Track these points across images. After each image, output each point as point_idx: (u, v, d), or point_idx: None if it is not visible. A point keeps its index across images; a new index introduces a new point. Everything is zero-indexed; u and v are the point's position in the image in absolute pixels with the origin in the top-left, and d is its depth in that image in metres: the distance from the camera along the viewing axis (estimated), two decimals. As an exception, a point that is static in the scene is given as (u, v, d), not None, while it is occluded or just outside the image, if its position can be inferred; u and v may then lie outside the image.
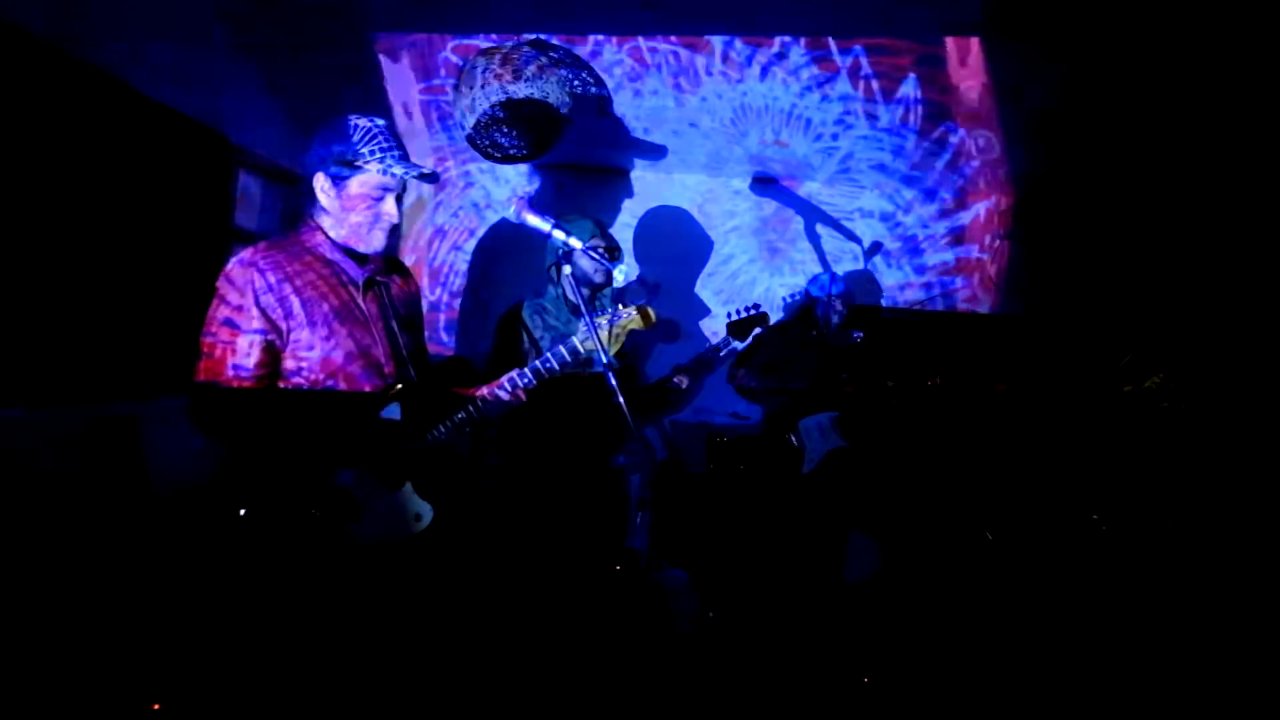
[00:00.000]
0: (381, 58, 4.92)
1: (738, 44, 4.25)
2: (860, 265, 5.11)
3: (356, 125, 2.40)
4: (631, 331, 2.55)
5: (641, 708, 3.08)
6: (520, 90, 3.96)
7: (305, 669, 2.36)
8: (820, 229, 5.15)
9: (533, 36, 4.32)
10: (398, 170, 2.39)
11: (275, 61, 4.50)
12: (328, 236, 2.44)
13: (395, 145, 2.42)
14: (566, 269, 2.81)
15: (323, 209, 2.43)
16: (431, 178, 2.48)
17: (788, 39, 4.24)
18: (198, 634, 2.76)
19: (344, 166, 2.37)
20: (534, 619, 3.17)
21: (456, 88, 4.24)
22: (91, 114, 3.37)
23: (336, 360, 2.38)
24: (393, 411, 2.41)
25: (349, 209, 2.40)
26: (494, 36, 4.63)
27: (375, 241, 2.44)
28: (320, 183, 2.40)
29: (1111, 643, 3.38)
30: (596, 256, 3.22)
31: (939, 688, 3.27)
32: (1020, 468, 4.00)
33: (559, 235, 2.50)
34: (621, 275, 3.18)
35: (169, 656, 2.82)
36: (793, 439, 4.03)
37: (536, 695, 2.94)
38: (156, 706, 2.68)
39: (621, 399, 2.39)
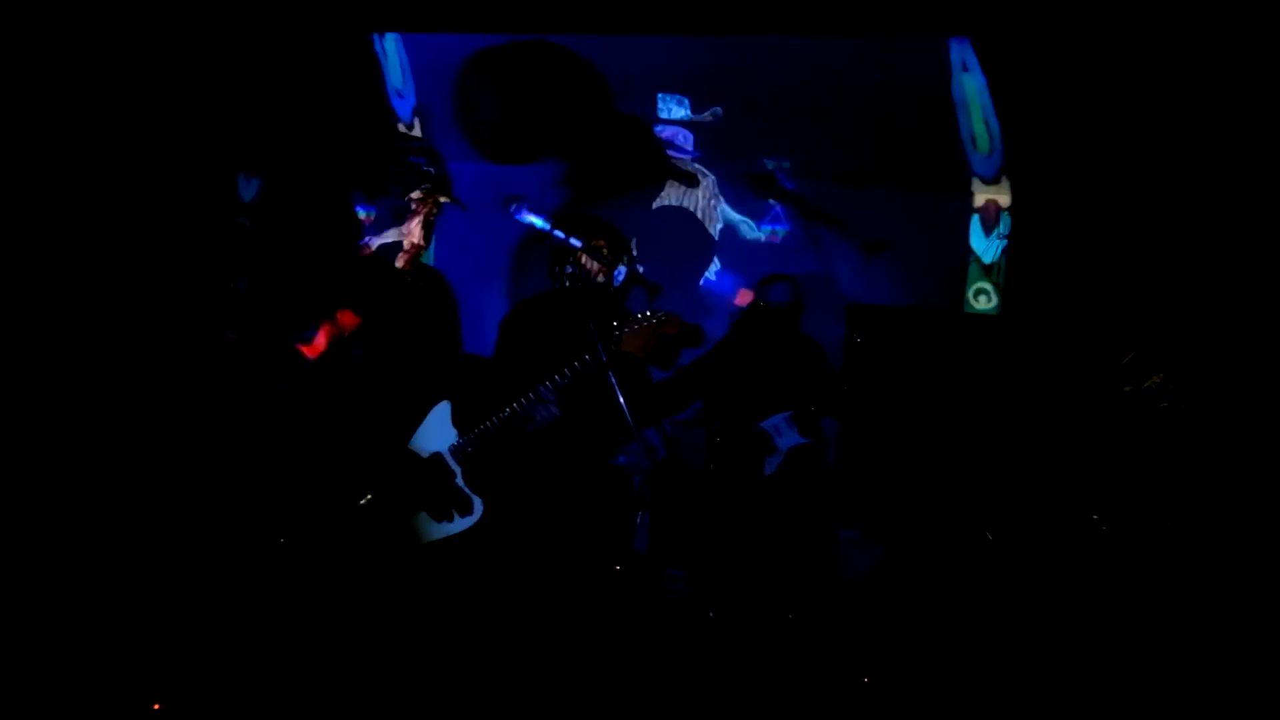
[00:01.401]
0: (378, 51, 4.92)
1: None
2: (860, 263, 5.10)
3: (400, 153, 2.54)
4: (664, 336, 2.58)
5: (642, 707, 3.08)
6: None
7: (310, 664, 2.38)
8: (819, 228, 5.15)
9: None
10: (415, 195, 2.50)
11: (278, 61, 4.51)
12: (382, 243, 2.57)
13: (431, 173, 2.53)
14: (568, 268, 2.82)
15: (371, 219, 2.58)
16: (459, 205, 2.55)
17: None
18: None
19: (379, 190, 2.51)
20: (534, 618, 3.17)
21: None
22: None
23: (389, 360, 2.49)
24: (444, 411, 2.50)
25: (383, 225, 2.55)
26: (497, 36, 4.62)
27: (399, 261, 2.56)
28: (360, 195, 2.61)
29: (1111, 642, 3.38)
30: (597, 256, 3.21)
31: (939, 688, 3.27)
32: (1020, 468, 4.00)
33: (560, 234, 2.50)
34: (622, 274, 3.17)
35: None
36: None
37: (537, 694, 2.94)
38: (157, 706, 2.69)
39: (622, 399, 2.39)
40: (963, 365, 4.44)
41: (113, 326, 3.76)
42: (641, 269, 5.13)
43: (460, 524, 2.49)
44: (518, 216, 2.53)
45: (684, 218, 5.29)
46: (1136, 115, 4.26)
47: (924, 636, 3.62)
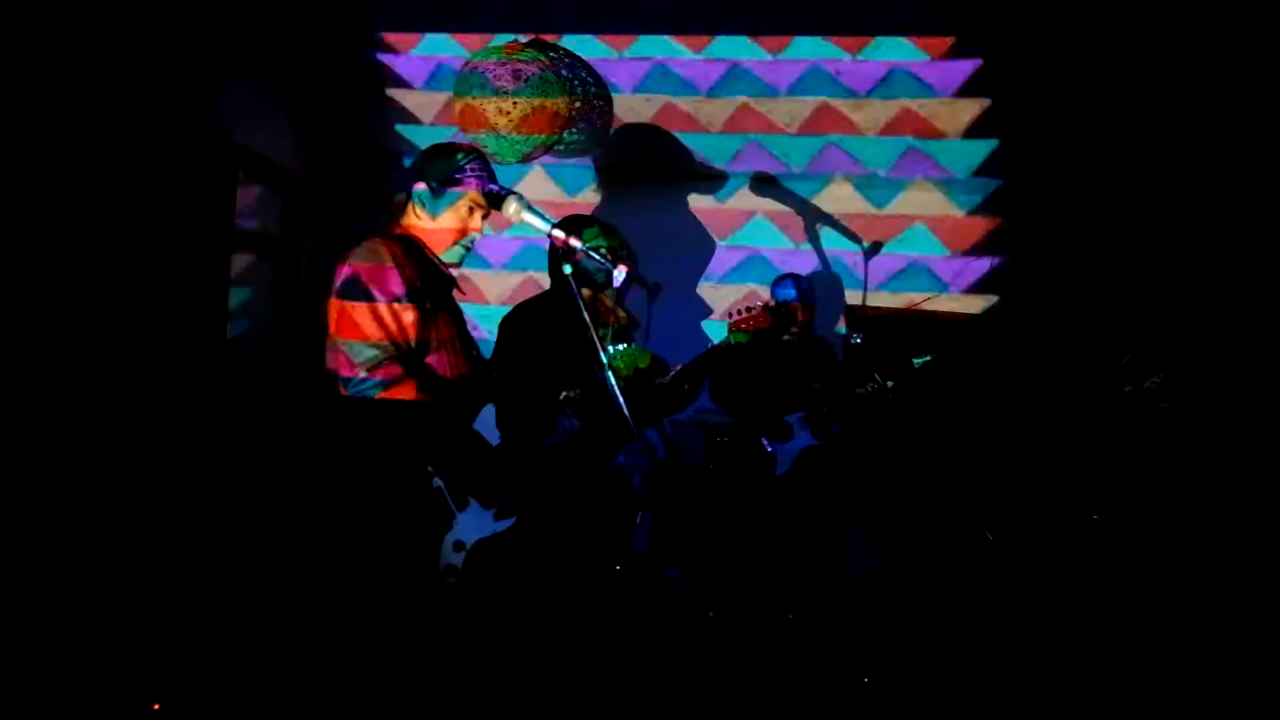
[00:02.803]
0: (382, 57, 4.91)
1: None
2: (859, 265, 5.09)
3: (461, 148, 2.63)
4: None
5: (642, 708, 3.08)
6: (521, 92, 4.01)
7: (311, 662, 2.39)
8: (820, 228, 5.14)
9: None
10: (494, 186, 2.58)
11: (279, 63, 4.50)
12: (420, 243, 2.60)
13: (492, 171, 2.63)
14: (567, 269, 2.82)
15: (415, 218, 2.59)
16: (520, 198, 2.58)
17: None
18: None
19: (447, 181, 2.55)
20: (534, 618, 3.18)
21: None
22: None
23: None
24: (490, 413, 2.57)
25: (441, 221, 2.58)
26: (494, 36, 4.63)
27: (454, 255, 2.63)
28: (420, 192, 2.56)
29: (1111, 643, 3.38)
30: (597, 257, 3.21)
31: (939, 688, 3.26)
32: (1020, 468, 4.00)
33: (558, 235, 2.50)
34: (621, 275, 3.15)
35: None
36: (765, 443, 4.02)
37: (537, 694, 2.94)
38: (157, 706, 2.69)
39: (621, 399, 2.39)
40: (963, 365, 4.44)
41: (120, 327, 3.76)
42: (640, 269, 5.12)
43: (501, 524, 2.53)
44: (515, 216, 2.53)
45: (684, 216, 5.29)
46: (1136, 115, 4.26)
47: (924, 636, 3.61)
